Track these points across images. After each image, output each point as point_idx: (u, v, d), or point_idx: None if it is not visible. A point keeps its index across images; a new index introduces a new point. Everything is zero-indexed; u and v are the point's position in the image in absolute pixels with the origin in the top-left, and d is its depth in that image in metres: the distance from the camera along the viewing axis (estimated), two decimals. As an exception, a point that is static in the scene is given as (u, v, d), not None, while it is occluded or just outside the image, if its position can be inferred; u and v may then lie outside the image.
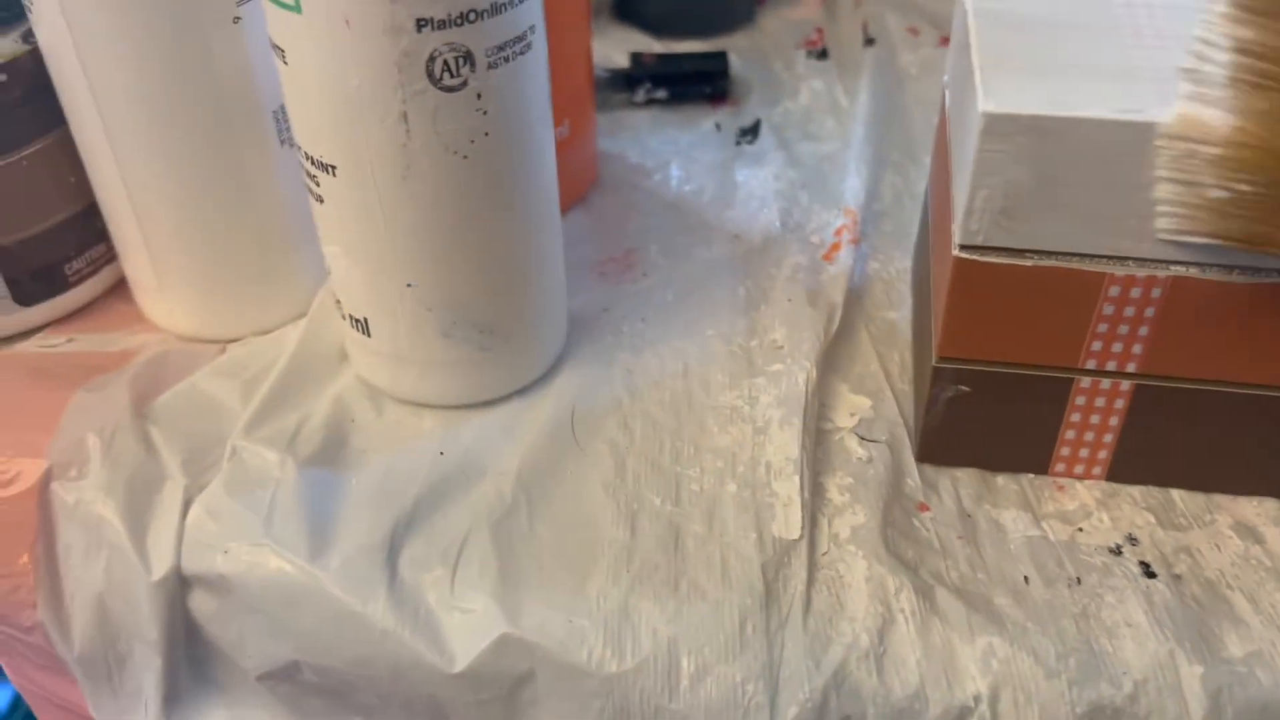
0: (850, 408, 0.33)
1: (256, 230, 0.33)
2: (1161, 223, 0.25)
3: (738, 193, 0.40)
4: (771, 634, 0.27)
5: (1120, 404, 0.29)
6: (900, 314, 0.36)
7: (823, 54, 0.47)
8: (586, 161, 0.40)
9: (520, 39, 0.27)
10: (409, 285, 0.29)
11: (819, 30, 0.48)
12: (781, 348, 0.34)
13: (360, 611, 0.28)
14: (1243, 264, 0.26)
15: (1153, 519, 0.29)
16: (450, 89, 0.26)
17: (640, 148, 0.42)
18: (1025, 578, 0.28)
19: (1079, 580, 0.28)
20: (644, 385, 0.33)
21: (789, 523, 0.29)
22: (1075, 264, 0.26)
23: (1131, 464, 0.30)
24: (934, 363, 0.29)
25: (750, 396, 0.33)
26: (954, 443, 0.30)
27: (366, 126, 0.27)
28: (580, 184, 0.40)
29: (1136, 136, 0.24)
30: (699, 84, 0.44)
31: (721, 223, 0.39)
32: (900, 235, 0.38)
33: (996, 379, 0.29)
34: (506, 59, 0.27)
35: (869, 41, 0.47)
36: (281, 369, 0.33)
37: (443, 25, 0.26)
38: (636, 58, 0.44)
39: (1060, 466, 0.30)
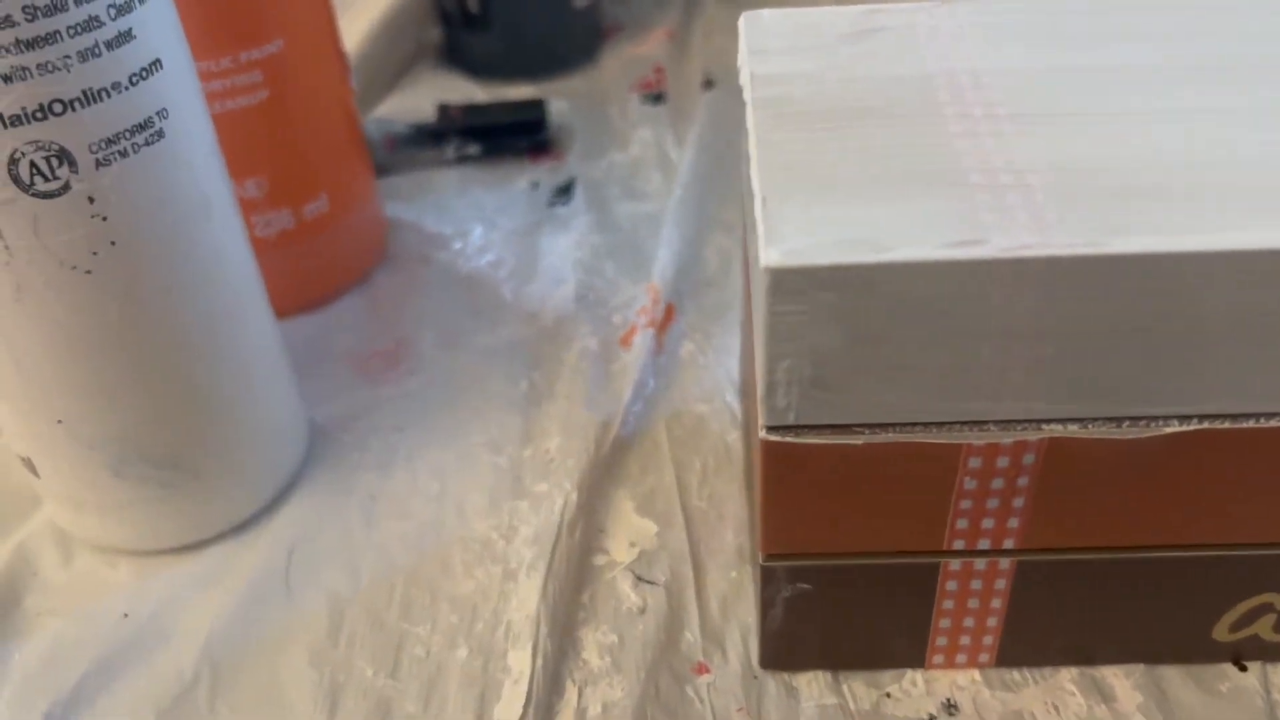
0: (632, 535, 0.27)
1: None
2: None
3: (539, 264, 0.35)
4: None
5: (1001, 584, 0.22)
6: (711, 407, 0.30)
7: (658, 98, 0.41)
8: (365, 236, 0.35)
9: (144, 127, 0.22)
10: (59, 421, 0.24)
11: (658, 70, 0.43)
12: (552, 460, 0.29)
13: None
14: (1134, 414, 0.19)
15: (978, 676, 0.24)
16: (48, 194, 0.21)
17: (441, 213, 0.37)
18: (812, 760, 0.23)
19: (876, 762, 0.23)
20: (387, 513, 0.28)
21: (511, 704, 0.23)
22: (921, 436, 0.20)
23: (1024, 646, 0.24)
24: (761, 561, 0.22)
25: (509, 526, 0.27)
26: (803, 646, 0.24)
27: (-43, 243, 0.22)
28: (358, 262, 0.35)
29: (974, 276, 0.18)
30: (514, 137, 0.39)
31: (518, 300, 0.34)
32: (723, 309, 0.33)
33: (843, 572, 0.22)
34: (124, 153, 0.22)
35: (708, 84, 0.41)
36: (-50, 515, 0.28)
37: (19, 121, 0.20)
38: (444, 110, 0.39)
39: (939, 659, 0.24)
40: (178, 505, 0.26)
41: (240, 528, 0.27)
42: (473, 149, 0.39)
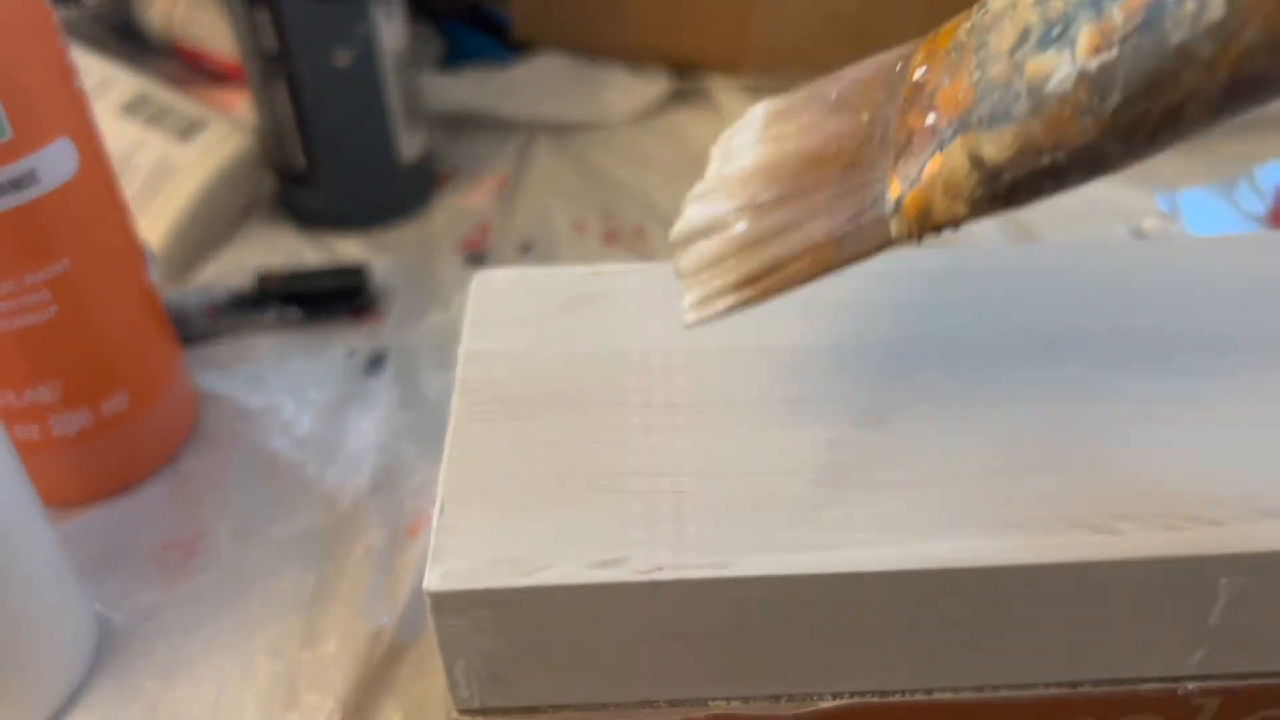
0: (398, 743, 0.29)
1: None
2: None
3: (345, 443, 0.36)
4: None
5: None
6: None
7: (479, 259, 0.43)
8: (170, 421, 0.36)
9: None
10: None
11: (483, 227, 0.44)
12: (328, 667, 0.30)
13: None
14: (790, 693, 0.21)
15: None
16: None
17: (256, 385, 0.38)
18: None
19: None
20: (164, 726, 0.29)
21: None
22: (599, 715, 0.22)
23: None
24: None
25: (278, 738, 0.29)
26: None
27: None
28: (164, 446, 0.36)
29: (616, 595, 0.20)
30: (335, 302, 0.40)
31: (320, 484, 0.35)
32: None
33: None
34: None
35: (524, 249, 0.43)
36: None
37: None
38: (262, 279, 0.40)
39: None
40: (-51, 733, 0.27)
41: (18, 745, 0.29)
42: (293, 314, 0.40)
